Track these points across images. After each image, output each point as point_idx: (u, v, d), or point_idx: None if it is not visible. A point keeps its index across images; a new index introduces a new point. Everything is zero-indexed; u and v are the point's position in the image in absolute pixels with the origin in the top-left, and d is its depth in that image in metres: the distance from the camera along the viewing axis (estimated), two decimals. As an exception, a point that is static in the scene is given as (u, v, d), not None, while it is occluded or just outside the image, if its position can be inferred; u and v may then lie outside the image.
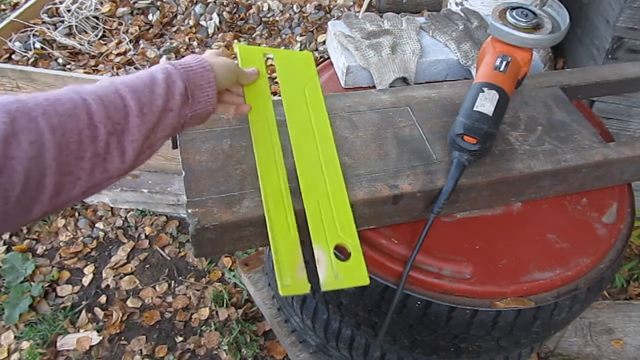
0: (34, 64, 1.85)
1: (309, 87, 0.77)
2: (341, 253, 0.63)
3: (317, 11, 2.26)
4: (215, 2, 2.24)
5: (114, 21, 2.16)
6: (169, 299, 1.51)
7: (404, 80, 0.94)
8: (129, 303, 1.50)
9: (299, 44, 2.12)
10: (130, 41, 2.07)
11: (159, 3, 2.25)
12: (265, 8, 2.28)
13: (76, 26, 2.06)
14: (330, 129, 0.73)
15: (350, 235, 0.64)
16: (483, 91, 0.73)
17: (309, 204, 0.65)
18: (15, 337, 1.42)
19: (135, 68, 1.95)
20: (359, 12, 2.14)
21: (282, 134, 0.71)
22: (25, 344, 1.39)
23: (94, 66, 1.96)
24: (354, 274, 0.62)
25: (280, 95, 0.75)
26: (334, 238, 0.64)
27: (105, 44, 2.07)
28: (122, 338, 1.43)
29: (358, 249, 0.64)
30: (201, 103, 0.59)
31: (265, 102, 0.72)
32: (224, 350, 1.38)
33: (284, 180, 0.66)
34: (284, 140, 0.70)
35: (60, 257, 1.61)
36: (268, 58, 0.82)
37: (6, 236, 1.65)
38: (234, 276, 1.54)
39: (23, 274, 1.54)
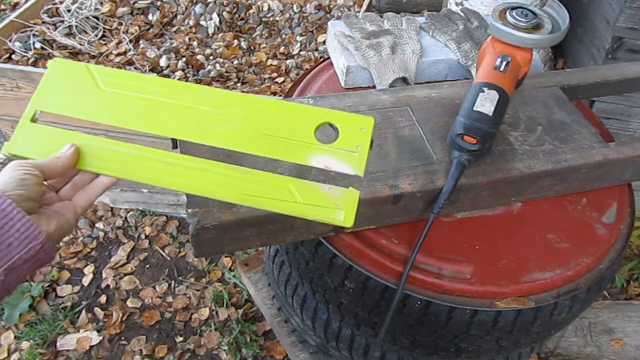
0: (34, 64, 1.85)
1: None
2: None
3: (317, 11, 2.26)
4: (215, 2, 2.24)
5: (114, 21, 2.16)
6: (169, 299, 1.51)
7: (404, 80, 0.94)
8: (129, 303, 1.50)
9: (299, 44, 2.12)
10: (130, 41, 2.07)
11: (159, 3, 2.25)
12: (265, 8, 2.28)
13: (76, 26, 2.06)
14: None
15: (323, 114, 0.58)
16: (483, 91, 0.73)
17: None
18: (15, 337, 1.42)
19: (135, 68, 1.95)
20: (359, 12, 2.14)
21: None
22: (25, 344, 1.39)
23: (94, 66, 1.96)
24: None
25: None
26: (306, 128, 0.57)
27: (105, 44, 2.07)
28: (122, 338, 1.43)
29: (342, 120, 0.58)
30: (12, 249, 0.44)
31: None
32: (224, 350, 1.38)
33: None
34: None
35: (60, 257, 1.61)
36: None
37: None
38: (234, 276, 1.54)
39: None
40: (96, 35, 2.08)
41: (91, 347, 1.40)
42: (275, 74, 2.04)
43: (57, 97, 0.60)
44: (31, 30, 1.97)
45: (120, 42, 2.07)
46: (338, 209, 0.56)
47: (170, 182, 0.58)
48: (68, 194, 0.58)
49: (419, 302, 0.70)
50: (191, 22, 2.19)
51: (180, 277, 1.57)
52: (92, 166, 0.58)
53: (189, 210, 0.63)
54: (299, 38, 2.15)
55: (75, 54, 2.00)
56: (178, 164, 0.58)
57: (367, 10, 2.08)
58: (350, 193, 0.56)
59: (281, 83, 1.99)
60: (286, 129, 0.58)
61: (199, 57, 2.03)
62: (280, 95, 1.85)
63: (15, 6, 2.30)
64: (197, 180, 0.57)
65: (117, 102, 0.60)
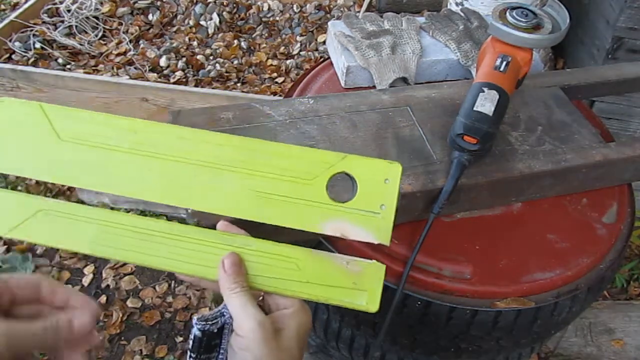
0: (34, 64, 1.86)
1: None
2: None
3: (317, 11, 2.26)
4: (215, 2, 2.24)
5: (114, 21, 2.16)
6: (169, 299, 1.51)
7: (404, 80, 0.94)
8: (129, 303, 1.50)
9: (299, 44, 2.12)
10: (130, 41, 2.07)
11: (159, 3, 2.25)
12: (265, 8, 2.28)
13: (76, 26, 2.06)
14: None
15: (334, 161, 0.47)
16: (483, 91, 0.73)
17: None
18: (15, 337, 1.42)
19: (135, 68, 1.95)
20: (359, 12, 2.14)
21: None
22: (25, 344, 1.39)
23: (94, 66, 1.96)
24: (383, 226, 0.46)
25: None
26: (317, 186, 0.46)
27: (105, 44, 2.07)
28: (122, 338, 1.43)
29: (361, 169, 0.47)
30: None
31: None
32: (224, 350, 1.38)
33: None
34: None
35: (60, 257, 1.61)
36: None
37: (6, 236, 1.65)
38: (234, 276, 1.54)
39: (23, 274, 1.54)
40: (96, 35, 2.08)
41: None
42: (275, 74, 2.04)
43: (7, 152, 0.48)
44: (31, 30, 1.97)
45: (120, 42, 2.07)
46: (359, 289, 0.46)
47: (145, 260, 0.46)
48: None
49: (419, 302, 0.70)
50: (191, 22, 2.20)
51: (180, 277, 1.57)
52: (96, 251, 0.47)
53: (189, 210, 0.63)
54: (299, 38, 2.16)
55: (75, 54, 2.00)
56: (149, 233, 0.47)
57: (367, 10, 2.08)
58: (374, 268, 0.46)
59: (281, 83, 1.99)
60: (289, 185, 0.46)
61: (199, 57, 2.03)
62: (280, 95, 1.85)
63: (15, 6, 2.30)
64: (181, 258, 0.46)
65: (79, 157, 0.48)
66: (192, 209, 0.48)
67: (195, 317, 0.45)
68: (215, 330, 0.44)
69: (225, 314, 0.44)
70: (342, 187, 0.48)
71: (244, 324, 0.42)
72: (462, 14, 1.10)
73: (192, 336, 0.44)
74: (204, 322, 0.44)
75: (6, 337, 0.37)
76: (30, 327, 0.39)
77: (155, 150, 0.47)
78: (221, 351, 0.44)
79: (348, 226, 0.46)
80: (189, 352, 0.45)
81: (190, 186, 0.47)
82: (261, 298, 0.48)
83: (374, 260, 0.47)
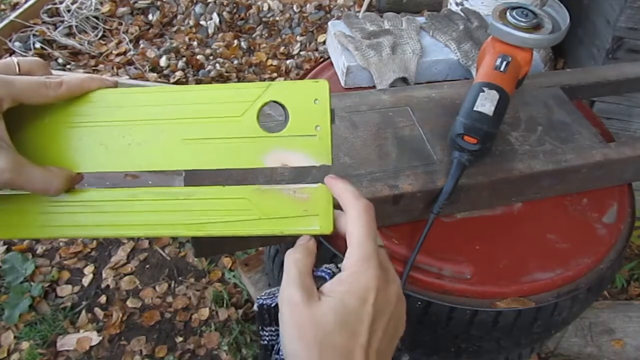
0: (34, 64, 1.85)
1: None
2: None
3: (317, 11, 2.26)
4: (215, 2, 2.24)
5: (114, 21, 2.16)
6: (169, 299, 1.51)
7: (404, 80, 0.94)
8: (129, 303, 1.50)
9: (299, 44, 2.12)
10: (130, 41, 2.07)
11: (159, 3, 2.25)
12: (265, 8, 2.28)
13: (76, 26, 2.06)
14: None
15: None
16: (483, 91, 0.73)
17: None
18: (15, 337, 1.42)
19: (135, 68, 1.95)
20: (359, 12, 2.14)
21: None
22: (25, 344, 1.39)
23: (94, 66, 1.96)
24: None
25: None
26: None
27: (105, 44, 2.07)
28: (122, 338, 1.43)
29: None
30: None
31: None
32: (224, 350, 1.38)
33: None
34: None
35: (60, 257, 1.61)
36: None
37: None
38: (234, 276, 1.54)
39: (23, 274, 1.54)
40: (96, 35, 2.08)
41: (91, 347, 1.40)
42: (275, 74, 2.04)
43: None
44: (31, 30, 1.97)
45: (120, 42, 2.07)
46: (310, 215, 0.45)
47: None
48: None
49: (419, 303, 0.70)
50: (191, 22, 2.20)
51: (180, 277, 1.57)
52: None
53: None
54: (299, 38, 2.16)
55: (75, 54, 2.00)
56: (88, 204, 0.46)
57: (367, 10, 2.08)
58: (320, 192, 0.45)
59: (281, 83, 1.98)
60: (219, 125, 0.45)
61: (199, 57, 2.03)
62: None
63: (15, 6, 2.30)
64: (125, 220, 0.46)
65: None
66: (128, 171, 0.46)
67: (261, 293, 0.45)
68: (273, 304, 0.43)
69: None
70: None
71: (281, 293, 0.39)
72: (462, 14, 1.09)
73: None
74: (260, 297, 0.44)
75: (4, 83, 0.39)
76: (29, 79, 0.41)
77: (85, 120, 0.46)
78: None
79: (287, 154, 0.45)
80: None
81: (123, 149, 0.46)
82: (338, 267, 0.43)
83: (320, 184, 0.46)
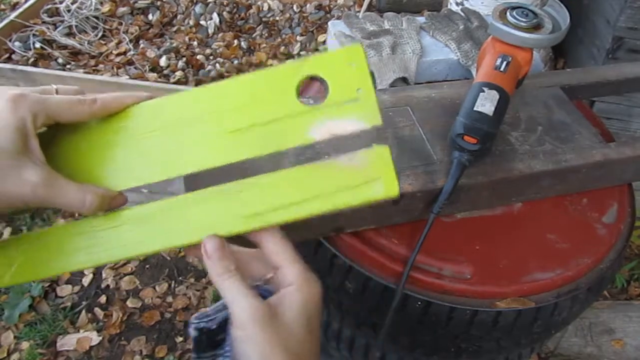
0: (34, 64, 1.85)
1: None
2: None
3: (317, 11, 2.26)
4: (215, 2, 2.24)
5: (114, 21, 2.16)
6: (169, 299, 1.51)
7: (404, 80, 0.94)
8: (129, 303, 1.50)
9: (299, 44, 2.12)
10: (130, 41, 2.07)
11: (159, 3, 2.26)
12: (265, 8, 2.28)
13: (76, 26, 2.06)
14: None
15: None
16: (483, 91, 0.72)
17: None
18: (15, 337, 1.42)
19: (135, 68, 1.95)
20: (359, 12, 2.14)
21: None
22: (25, 344, 1.39)
23: (94, 66, 1.96)
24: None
25: None
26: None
27: (105, 44, 2.07)
28: (122, 338, 1.43)
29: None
30: None
31: None
32: (224, 350, 1.38)
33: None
34: None
35: (60, 257, 1.61)
36: None
37: (6, 235, 1.65)
38: (234, 276, 1.54)
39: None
40: (96, 35, 2.08)
41: (91, 347, 1.40)
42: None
43: None
44: (31, 30, 1.97)
45: (120, 42, 2.07)
46: (372, 180, 0.44)
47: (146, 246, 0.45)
48: None
49: (419, 303, 0.70)
50: (191, 22, 2.19)
51: (180, 277, 1.57)
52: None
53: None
54: (299, 38, 2.15)
55: (75, 54, 2.00)
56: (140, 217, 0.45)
57: (367, 10, 2.08)
58: (378, 152, 0.44)
59: (281, 83, 1.98)
60: (260, 110, 0.44)
61: (199, 57, 2.03)
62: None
63: (15, 6, 2.30)
64: (184, 226, 0.45)
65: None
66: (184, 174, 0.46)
67: (192, 317, 0.44)
68: (214, 327, 0.43)
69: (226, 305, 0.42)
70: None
71: (236, 311, 0.39)
72: (462, 13, 1.09)
73: (191, 337, 0.44)
74: (198, 321, 0.43)
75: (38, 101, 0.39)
76: (64, 97, 0.41)
77: (122, 135, 0.45)
78: (226, 347, 0.43)
79: (334, 123, 0.43)
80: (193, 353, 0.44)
81: (165, 156, 0.45)
82: (270, 277, 0.45)
83: (374, 145, 0.44)
